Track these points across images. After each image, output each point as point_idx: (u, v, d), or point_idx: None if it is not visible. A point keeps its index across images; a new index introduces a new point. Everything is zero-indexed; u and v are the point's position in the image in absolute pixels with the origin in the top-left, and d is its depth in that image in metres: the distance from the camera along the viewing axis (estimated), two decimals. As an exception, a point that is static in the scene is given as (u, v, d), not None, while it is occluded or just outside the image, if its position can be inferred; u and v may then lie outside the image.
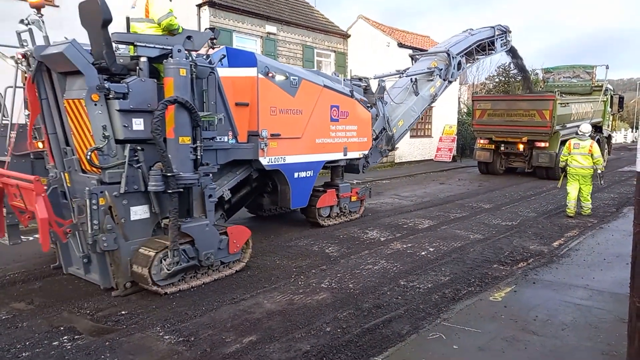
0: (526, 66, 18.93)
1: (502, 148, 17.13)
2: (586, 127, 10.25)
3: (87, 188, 5.16)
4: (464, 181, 16.37)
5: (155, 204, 5.62)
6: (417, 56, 13.71)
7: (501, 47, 15.01)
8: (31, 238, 8.10)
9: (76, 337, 4.43)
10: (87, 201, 5.10)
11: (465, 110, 28.85)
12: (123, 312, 4.99)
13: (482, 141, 17.47)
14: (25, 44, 5.70)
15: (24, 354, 4.10)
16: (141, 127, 5.46)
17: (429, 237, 8.29)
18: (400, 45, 21.47)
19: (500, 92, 28.10)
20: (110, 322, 4.76)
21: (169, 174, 5.29)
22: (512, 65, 21.43)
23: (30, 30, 5.63)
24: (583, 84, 19.87)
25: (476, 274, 6.26)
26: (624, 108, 29.90)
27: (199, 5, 15.22)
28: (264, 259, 6.87)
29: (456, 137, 23.58)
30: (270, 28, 16.84)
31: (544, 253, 7.26)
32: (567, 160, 10.19)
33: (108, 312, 5.00)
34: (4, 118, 6.36)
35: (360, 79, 9.98)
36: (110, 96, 5.25)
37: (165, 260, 5.38)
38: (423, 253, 7.27)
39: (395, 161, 21.17)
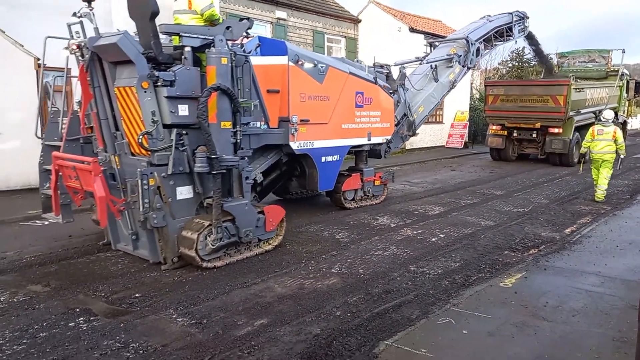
0: (544, 51, 18.62)
1: (515, 134, 16.92)
2: (609, 114, 10.33)
3: (138, 169, 5.53)
4: (476, 168, 16.25)
5: (199, 184, 6.02)
6: (436, 43, 13.72)
7: (519, 33, 14.90)
8: (46, 222, 8.26)
9: (92, 318, 4.53)
10: (139, 181, 5.47)
11: (477, 96, 28.49)
12: (137, 295, 5.08)
13: (494, 127, 17.27)
14: (77, 35, 6.01)
15: (41, 334, 4.20)
16: (186, 113, 5.83)
17: (439, 223, 8.28)
18: (412, 30, 21.21)
19: (514, 77, 27.72)
20: (125, 305, 4.85)
21: (213, 156, 5.65)
22: (526, 50, 21.09)
23: (81, 23, 5.94)
24: (598, 69, 19.48)
25: (487, 260, 6.26)
26: (641, 93, 29.28)
27: (209, -9, 15.14)
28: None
29: (468, 123, 23.33)
30: (280, 13, 16.73)
31: (556, 240, 7.22)
32: (589, 146, 10.23)
33: (122, 295, 5.10)
34: (52, 106, 6.70)
35: (381, 66, 10.11)
36: (159, 84, 5.60)
37: (209, 237, 5.73)
38: (433, 239, 7.27)
39: (406, 147, 21.05)
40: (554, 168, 15.86)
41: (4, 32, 9.91)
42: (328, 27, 18.67)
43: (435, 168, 16.22)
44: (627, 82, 20.40)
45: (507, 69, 30.17)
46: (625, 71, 20.01)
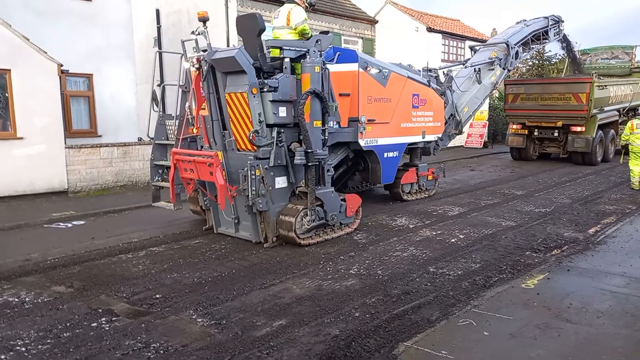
0: (577, 55, 18.58)
1: (536, 133, 16.65)
2: None
3: (248, 162, 6.49)
4: (496, 167, 16.03)
5: (292, 175, 7.01)
6: (477, 47, 14.39)
7: (554, 36, 15.31)
8: (70, 225, 8.44)
9: (114, 318, 4.59)
10: (248, 172, 6.45)
11: (497, 95, 28.07)
12: (158, 296, 5.14)
13: (514, 126, 17.02)
14: (194, 50, 6.99)
15: (65, 334, 4.28)
16: (284, 114, 6.78)
17: (459, 224, 8.19)
18: (430, 29, 21.08)
19: (534, 75, 27.24)
20: (146, 305, 4.91)
21: (309, 151, 6.61)
22: (547, 48, 20.63)
23: (196, 40, 6.91)
24: (622, 66, 19.03)
25: (508, 261, 6.16)
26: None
27: (227, -5, 15.27)
28: (293, 246, 6.93)
29: (487, 122, 23.04)
30: (298, 16, 16.75)
31: (579, 240, 7.07)
32: (628, 139, 11.06)
33: (143, 296, 5.17)
34: (160, 111, 7.81)
35: (429, 70, 10.78)
36: (265, 89, 6.55)
37: (305, 218, 6.79)
38: (453, 240, 7.19)
39: (425, 148, 20.86)
40: (576, 167, 15.55)
41: (28, 40, 10.15)
42: (345, 29, 18.65)
43: (454, 168, 16.03)
44: (653, 78, 19.84)
45: (527, 67, 29.63)
46: (651, 67, 19.49)
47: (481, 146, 22.27)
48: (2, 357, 3.91)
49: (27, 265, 6.25)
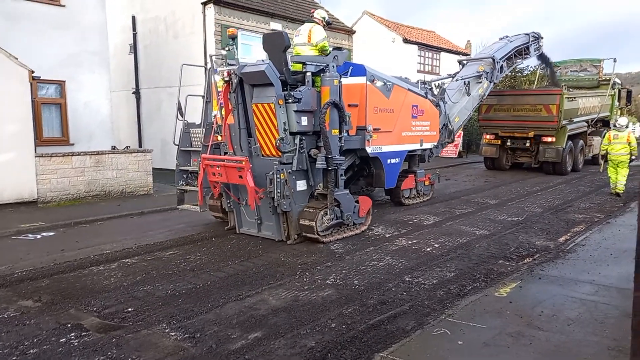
0: (554, 70, 19.30)
1: (509, 143, 17.03)
2: (623, 121, 12.28)
3: (274, 166, 7.13)
4: (470, 177, 16.30)
5: (312, 179, 7.67)
6: (464, 62, 15.19)
7: (534, 51, 16.27)
8: (39, 236, 8.21)
9: (83, 334, 4.46)
10: (274, 176, 7.06)
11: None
12: (129, 309, 5.03)
13: (488, 136, 17.37)
14: (220, 63, 7.55)
15: (31, 351, 4.14)
16: (306, 123, 7.48)
17: (434, 233, 8.28)
18: (406, 40, 21.40)
19: (507, 87, 27.91)
20: (117, 319, 4.79)
21: (329, 156, 7.28)
22: (518, 61, 21.13)
23: (225, 55, 7.52)
24: (590, 78, 19.65)
25: (481, 270, 6.25)
26: (632, 102, 29.48)
27: (204, 3, 15.24)
28: (270, 256, 6.89)
29: (462, 132, 23.42)
30: (275, 25, 16.83)
31: (550, 248, 7.22)
32: (607, 149, 11.93)
33: (114, 309, 5.04)
34: (185, 120, 8.47)
35: (424, 83, 11.48)
36: (290, 100, 7.19)
37: (325, 217, 7.43)
38: (428, 249, 7.26)
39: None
40: (547, 177, 15.93)
41: (-3, 46, 9.90)
42: (322, 39, 18.78)
43: (430, 177, 16.20)
44: (619, 90, 20.55)
45: (500, 78, 30.33)
46: (617, 80, 20.18)
47: (456, 156, 22.64)
48: (-36, 375, 3.76)
49: (-8, 278, 6.04)
